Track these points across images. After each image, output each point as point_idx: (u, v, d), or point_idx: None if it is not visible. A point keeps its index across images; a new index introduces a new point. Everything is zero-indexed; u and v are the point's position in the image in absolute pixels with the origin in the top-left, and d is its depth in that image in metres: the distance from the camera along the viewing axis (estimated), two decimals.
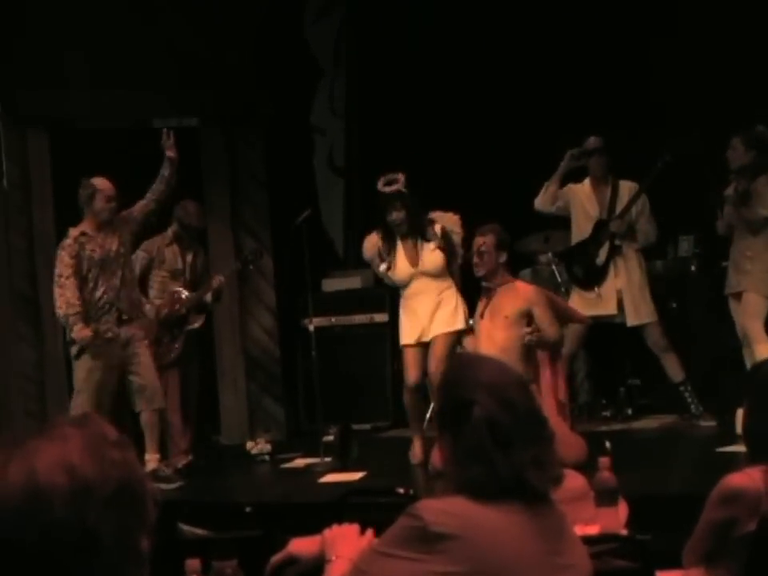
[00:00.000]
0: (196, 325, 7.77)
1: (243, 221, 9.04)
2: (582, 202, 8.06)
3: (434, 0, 9.49)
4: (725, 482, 3.30)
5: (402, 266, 7.22)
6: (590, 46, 9.11)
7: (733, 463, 5.46)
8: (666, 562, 3.31)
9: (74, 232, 7.05)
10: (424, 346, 7.16)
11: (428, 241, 7.16)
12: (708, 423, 7.61)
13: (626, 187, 7.99)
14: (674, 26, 8.84)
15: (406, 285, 7.26)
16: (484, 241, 6.89)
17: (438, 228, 7.17)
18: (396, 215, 7.14)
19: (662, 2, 9.02)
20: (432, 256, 7.16)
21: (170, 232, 7.77)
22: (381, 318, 9.06)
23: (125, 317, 7.04)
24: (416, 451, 7.20)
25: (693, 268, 8.60)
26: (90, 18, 8.40)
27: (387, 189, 7.12)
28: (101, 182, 7.02)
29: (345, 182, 10.18)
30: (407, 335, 7.25)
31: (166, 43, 8.59)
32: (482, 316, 6.87)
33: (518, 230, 8.39)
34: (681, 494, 5.55)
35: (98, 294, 6.99)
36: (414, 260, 7.19)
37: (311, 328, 7.78)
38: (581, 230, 8.09)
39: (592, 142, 7.98)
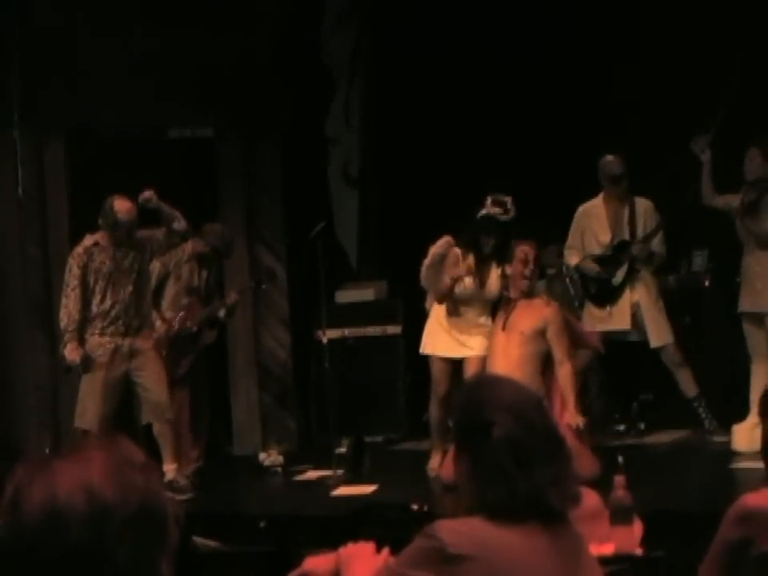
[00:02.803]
0: (209, 341, 7.72)
1: (258, 232, 9.04)
2: (592, 227, 7.98)
3: (448, 13, 9.49)
4: (740, 502, 3.28)
5: (468, 282, 7.05)
6: (592, 56, 9.11)
7: (746, 479, 5.46)
8: None
9: (87, 241, 7.01)
10: (454, 362, 7.10)
11: (502, 266, 6.98)
12: (721, 438, 7.55)
13: (642, 205, 7.91)
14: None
15: (458, 299, 7.10)
16: (535, 253, 6.80)
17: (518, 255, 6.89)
18: (494, 240, 6.94)
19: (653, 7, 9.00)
20: (498, 283, 7.03)
21: (190, 248, 7.58)
22: (394, 330, 9.06)
23: (132, 329, 7.04)
24: (434, 464, 7.12)
25: (707, 283, 8.57)
26: (107, 28, 8.43)
27: (502, 217, 6.88)
28: (124, 211, 6.89)
29: (359, 193, 10.18)
30: (443, 347, 7.13)
31: (184, 53, 8.60)
32: (502, 329, 6.82)
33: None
34: (694, 509, 5.54)
35: (106, 306, 6.96)
36: (483, 281, 7.06)
37: (324, 340, 7.76)
38: (590, 249, 8.03)
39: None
